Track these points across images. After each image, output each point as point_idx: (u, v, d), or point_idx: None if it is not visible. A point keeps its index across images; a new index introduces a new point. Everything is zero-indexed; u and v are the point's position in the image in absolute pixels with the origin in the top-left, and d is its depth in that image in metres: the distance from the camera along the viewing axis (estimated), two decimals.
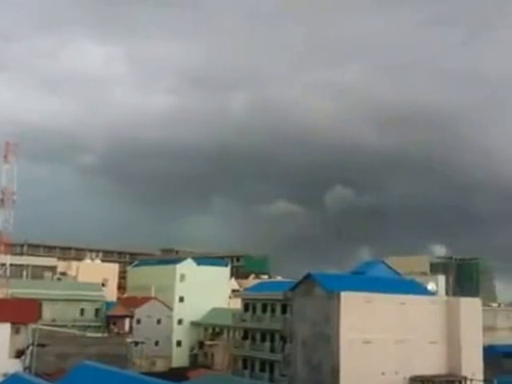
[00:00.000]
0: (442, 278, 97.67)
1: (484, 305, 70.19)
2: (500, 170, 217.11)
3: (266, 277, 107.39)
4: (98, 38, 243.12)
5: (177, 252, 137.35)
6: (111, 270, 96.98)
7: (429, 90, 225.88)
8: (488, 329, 65.85)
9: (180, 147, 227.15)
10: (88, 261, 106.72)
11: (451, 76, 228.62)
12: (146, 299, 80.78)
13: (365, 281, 54.34)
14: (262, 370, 56.95)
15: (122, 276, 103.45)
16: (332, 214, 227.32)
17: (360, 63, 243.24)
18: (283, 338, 54.89)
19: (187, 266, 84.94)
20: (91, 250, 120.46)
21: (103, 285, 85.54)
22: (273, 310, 57.87)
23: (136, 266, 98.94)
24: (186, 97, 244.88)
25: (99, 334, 65.93)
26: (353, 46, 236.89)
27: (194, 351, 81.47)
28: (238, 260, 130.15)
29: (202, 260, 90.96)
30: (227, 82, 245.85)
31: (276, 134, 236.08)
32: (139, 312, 77.68)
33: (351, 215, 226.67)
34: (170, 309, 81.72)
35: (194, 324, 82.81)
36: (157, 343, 77.96)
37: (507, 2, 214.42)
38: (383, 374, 46.85)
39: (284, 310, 55.72)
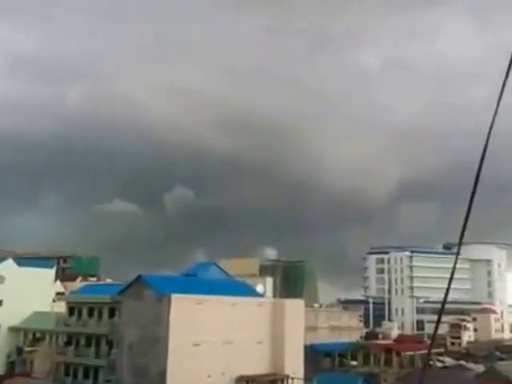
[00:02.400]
0: (269, 280, 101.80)
1: (307, 306, 74.24)
2: (325, 178, 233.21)
3: (94, 279, 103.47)
4: None
5: None
6: None
7: (268, 98, 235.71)
8: (310, 328, 69.73)
9: (8, 138, 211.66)
10: None
11: (288, 85, 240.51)
12: None
13: (197, 283, 54.38)
14: (86, 376, 54.51)
15: None
16: (170, 215, 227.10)
17: (206, 67, 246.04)
18: (110, 343, 53.03)
19: (7, 267, 78.82)
20: None
21: None
22: (100, 314, 55.65)
23: None
24: (19, 85, 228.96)
25: None
26: (200, 50, 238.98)
27: (12, 358, 75.76)
28: (65, 261, 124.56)
29: (25, 261, 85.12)
30: (67, 72, 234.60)
31: (118, 130, 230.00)
32: None
33: (189, 217, 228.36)
34: None
35: (13, 329, 77.05)
36: None
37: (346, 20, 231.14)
38: (209, 376, 47.22)
39: (112, 314, 53.86)
